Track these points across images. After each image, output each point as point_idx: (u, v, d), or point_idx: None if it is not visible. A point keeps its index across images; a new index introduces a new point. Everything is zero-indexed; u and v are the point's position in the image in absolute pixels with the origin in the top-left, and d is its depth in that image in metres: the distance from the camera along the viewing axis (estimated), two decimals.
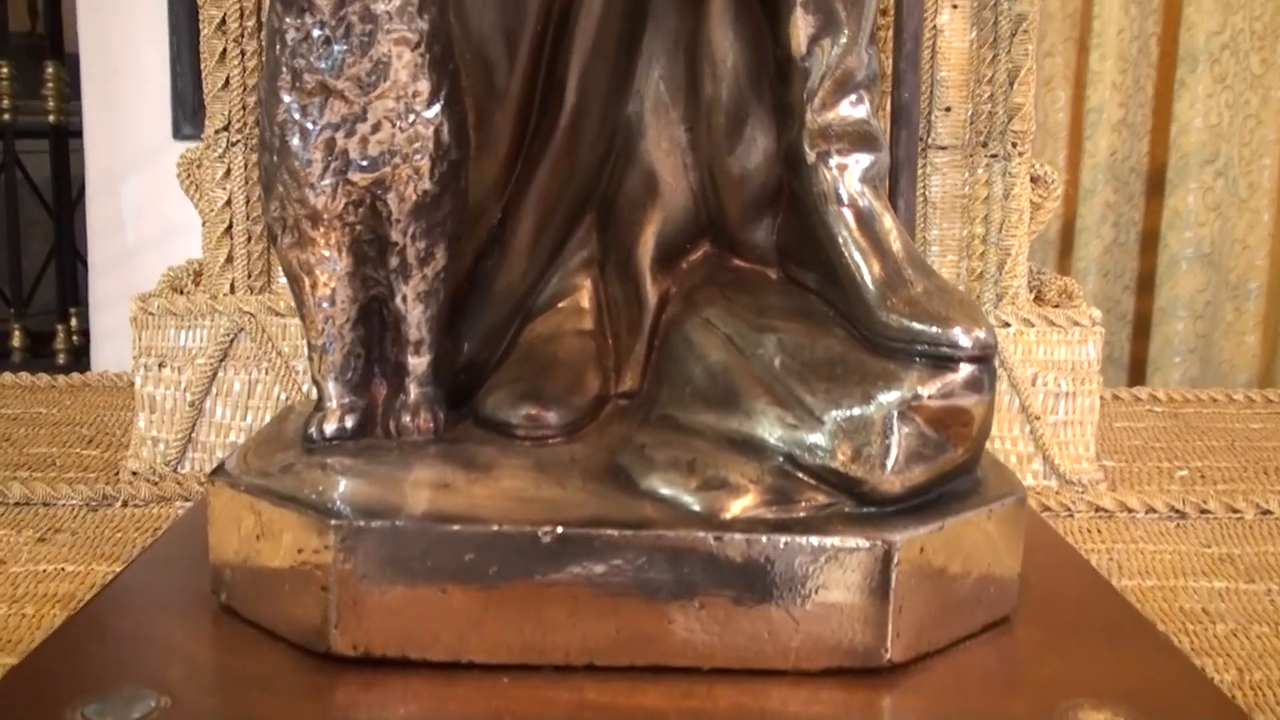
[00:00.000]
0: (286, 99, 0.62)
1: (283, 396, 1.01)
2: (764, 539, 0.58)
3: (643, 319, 0.71)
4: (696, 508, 0.60)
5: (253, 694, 0.58)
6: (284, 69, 0.62)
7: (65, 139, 2.15)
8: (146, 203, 1.76)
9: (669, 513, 0.60)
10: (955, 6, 0.99)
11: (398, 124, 0.62)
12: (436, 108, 0.63)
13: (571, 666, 0.59)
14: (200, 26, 0.98)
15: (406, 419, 0.67)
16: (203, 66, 0.99)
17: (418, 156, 0.63)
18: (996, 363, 0.64)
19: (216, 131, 1.00)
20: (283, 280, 1.01)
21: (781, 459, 0.62)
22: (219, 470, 0.66)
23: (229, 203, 1.01)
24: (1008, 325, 1.02)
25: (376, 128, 0.62)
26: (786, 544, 0.58)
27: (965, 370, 0.60)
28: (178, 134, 1.75)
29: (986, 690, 0.60)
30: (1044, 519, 0.84)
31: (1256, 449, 1.18)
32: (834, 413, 0.61)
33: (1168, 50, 1.85)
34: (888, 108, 0.90)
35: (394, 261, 0.66)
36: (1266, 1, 1.80)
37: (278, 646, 0.61)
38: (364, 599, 0.59)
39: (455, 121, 0.64)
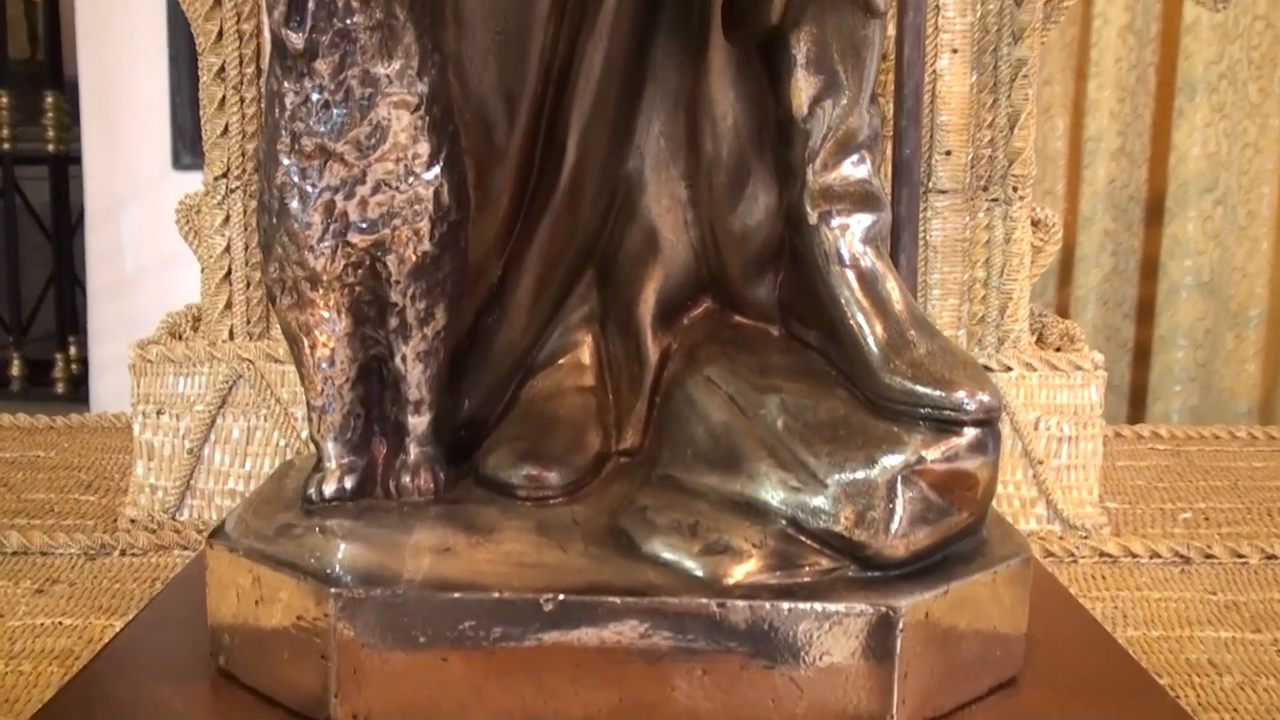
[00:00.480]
0: (286, 162, 0.62)
1: (282, 443, 1.01)
2: (767, 605, 0.58)
3: (644, 375, 0.71)
4: (699, 573, 0.60)
5: None
6: (283, 132, 0.62)
7: (65, 166, 2.15)
8: (146, 231, 1.75)
9: (671, 578, 0.60)
10: (955, 51, 0.99)
11: (397, 186, 0.62)
12: (436, 169, 0.63)
13: None
14: (199, 74, 0.98)
15: (407, 479, 0.67)
16: (202, 114, 0.99)
17: (417, 218, 0.63)
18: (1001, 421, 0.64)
19: (216, 178, 1.00)
20: None
21: (784, 522, 0.61)
22: (218, 532, 0.66)
23: (228, 249, 1.00)
24: (1010, 369, 1.02)
25: (376, 190, 0.62)
26: (790, 610, 0.58)
27: (969, 434, 0.60)
28: (177, 163, 1.75)
29: None
30: (1048, 570, 0.84)
31: (1260, 489, 1.18)
32: (837, 476, 0.60)
33: (1166, 79, 1.85)
34: (889, 161, 0.90)
35: (394, 322, 0.65)
36: (1264, 31, 1.80)
37: (276, 713, 0.61)
38: (364, 667, 0.58)
39: (455, 183, 0.64)
